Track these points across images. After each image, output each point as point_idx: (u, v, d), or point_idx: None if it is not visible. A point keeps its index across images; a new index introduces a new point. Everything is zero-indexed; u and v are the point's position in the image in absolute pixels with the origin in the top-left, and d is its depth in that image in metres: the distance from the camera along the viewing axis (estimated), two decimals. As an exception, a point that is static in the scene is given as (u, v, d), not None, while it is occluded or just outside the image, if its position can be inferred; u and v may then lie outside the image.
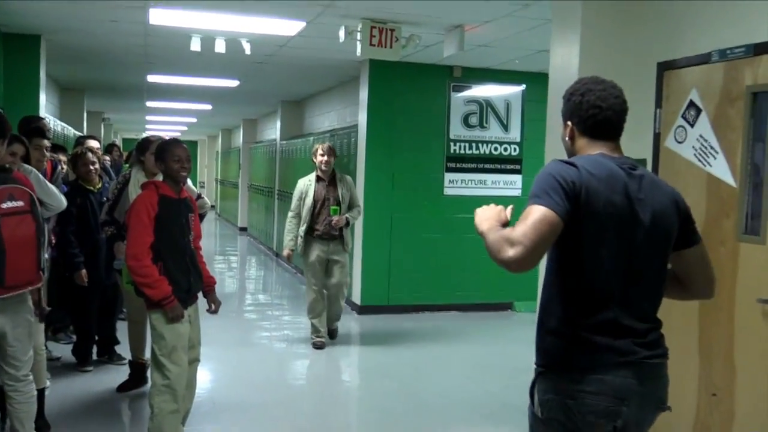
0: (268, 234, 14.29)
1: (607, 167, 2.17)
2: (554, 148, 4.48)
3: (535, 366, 2.28)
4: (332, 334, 6.99)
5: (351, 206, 6.68)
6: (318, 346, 6.70)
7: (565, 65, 4.37)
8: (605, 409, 2.10)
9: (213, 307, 4.27)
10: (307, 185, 6.67)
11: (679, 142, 3.83)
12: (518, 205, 8.21)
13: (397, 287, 8.45)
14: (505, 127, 8.77)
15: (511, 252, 1.95)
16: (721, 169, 3.58)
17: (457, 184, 8.63)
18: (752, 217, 3.42)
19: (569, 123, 2.32)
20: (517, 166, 8.81)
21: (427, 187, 8.55)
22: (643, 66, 4.07)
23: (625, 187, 2.16)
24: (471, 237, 8.57)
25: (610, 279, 2.14)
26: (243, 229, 17.95)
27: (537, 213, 2.00)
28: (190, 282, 4.02)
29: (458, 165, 8.63)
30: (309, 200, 6.56)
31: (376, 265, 8.40)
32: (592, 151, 2.26)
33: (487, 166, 8.73)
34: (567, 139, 2.34)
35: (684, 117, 3.80)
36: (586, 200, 2.08)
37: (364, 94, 8.44)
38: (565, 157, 2.30)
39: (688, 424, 3.69)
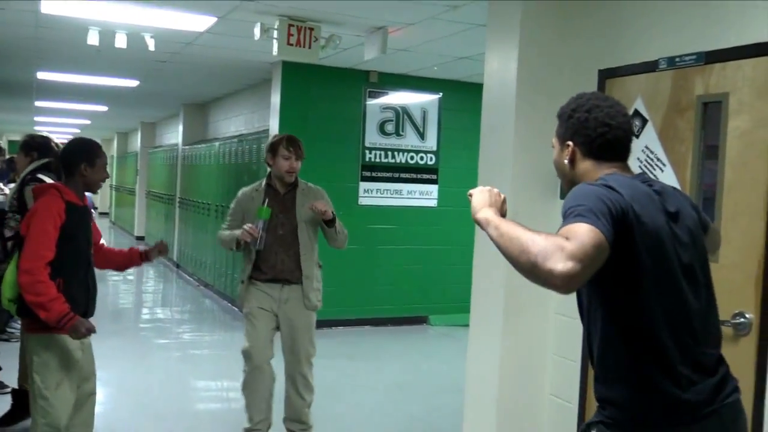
0: (168, 244, 13.55)
1: (637, 186, 1.91)
2: (489, 160, 4.21)
3: (599, 412, 1.98)
4: None
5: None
6: None
7: (502, 70, 4.11)
8: None
9: (161, 248, 4.17)
10: (252, 198, 4.41)
11: (623, 154, 3.64)
12: (434, 216, 7.87)
13: (310, 301, 8.01)
14: (422, 136, 8.53)
15: (562, 266, 1.58)
16: (668, 182, 3.39)
17: (372, 194, 8.31)
18: (703, 234, 3.26)
19: (570, 143, 2.05)
20: (434, 176, 8.58)
21: (341, 196, 8.14)
22: (584, 73, 3.88)
23: (661, 205, 1.92)
24: (386, 249, 8.46)
25: (677, 314, 1.89)
26: (140, 238, 17.04)
27: (592, 234, 1.65)
28: (88, 303, 3.52)
29: (373, 174, 8.31)
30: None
31: (287, 278, 7.96)
32: (599, 175, 1.99)
33: (403, 175, 8.44)
34: (566, 161, 2.07)
35: (628, 127, 3.62)
36: (638, 229, 1.82)
37: (276, 98, 8.00)
38: (548, 175, 2.06)
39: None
